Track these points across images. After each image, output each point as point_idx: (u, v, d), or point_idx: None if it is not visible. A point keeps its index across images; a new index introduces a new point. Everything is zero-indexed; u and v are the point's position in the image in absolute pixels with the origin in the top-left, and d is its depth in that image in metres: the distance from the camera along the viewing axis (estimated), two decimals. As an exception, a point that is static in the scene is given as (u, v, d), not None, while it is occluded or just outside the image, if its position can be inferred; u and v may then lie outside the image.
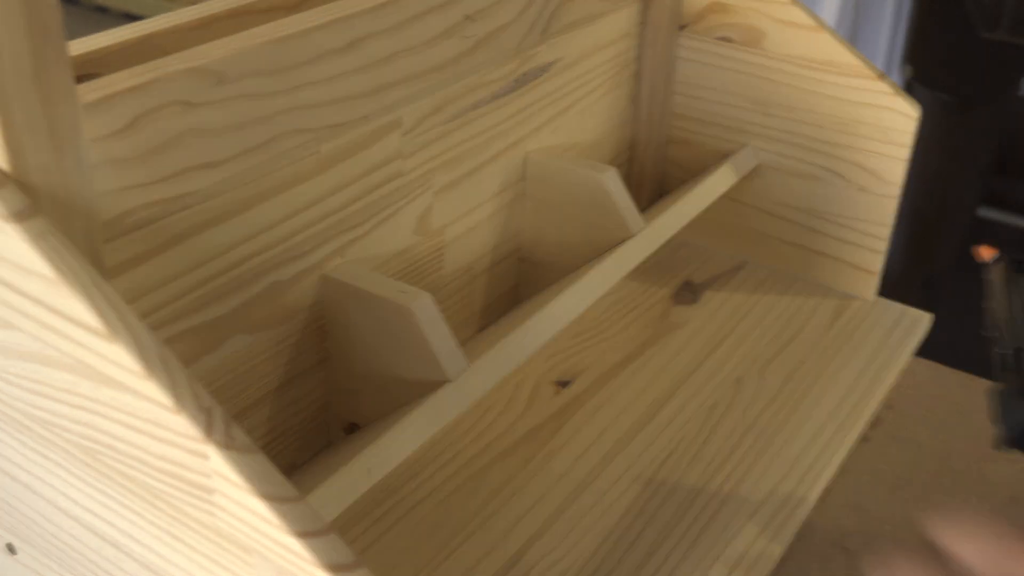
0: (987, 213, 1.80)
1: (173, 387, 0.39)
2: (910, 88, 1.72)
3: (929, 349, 0.93)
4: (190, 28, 0.60)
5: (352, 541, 0.67)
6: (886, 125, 0.87)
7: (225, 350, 0.60)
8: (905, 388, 0.87)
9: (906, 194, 0.91)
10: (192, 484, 0.40)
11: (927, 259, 1.79)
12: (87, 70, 0.54)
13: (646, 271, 0.98)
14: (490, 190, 0.78)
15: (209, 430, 0.38)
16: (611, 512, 0.71)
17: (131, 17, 2.08)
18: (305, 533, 0.37)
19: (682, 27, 0.93)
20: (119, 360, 0.39)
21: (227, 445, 0.38)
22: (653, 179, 1.01)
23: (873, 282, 0.95)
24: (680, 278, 0.98)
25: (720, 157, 0.94)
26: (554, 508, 0.71)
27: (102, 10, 2.19)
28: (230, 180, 0.55)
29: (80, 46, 0.55)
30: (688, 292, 0.97)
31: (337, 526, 0.65)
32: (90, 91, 0.46)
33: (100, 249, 0.45)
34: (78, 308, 0.39)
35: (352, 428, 0.68)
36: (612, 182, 0.77)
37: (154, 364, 0.39)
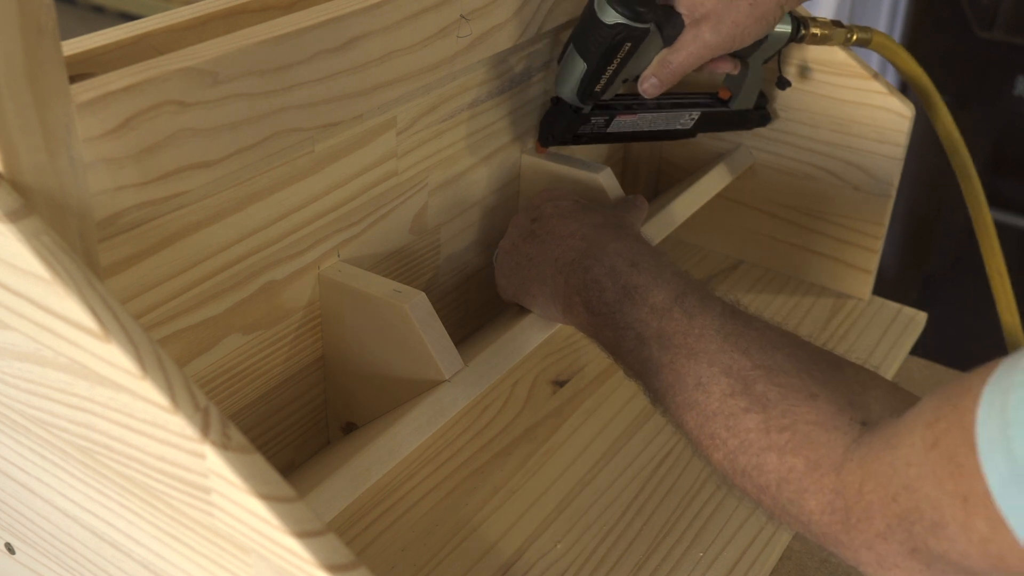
0: (983, 212, 1.80)
1: (169, 387, 0.39)
2: (905, 88, 1.72)
3: (925, 348, 0.93)
4: (185, 28, 0.60)
5: (351, 541, 0.67)
6: (881, 124, 0.87)
7: (221, 350, 0.59)
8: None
9: (902, 193, 0.91)
10: (189, 484, 0.40)
11: (923, 258, 1.80)
12: (81, 70, 0.54)
13: (642, 270, 0.98)
14: (485, 189, 0.78)
15: (205, 430, 0.38)
16: (610, 511, 0.71)
17: (128, 16, 2.08)
18: (303, 533, 0.37)
19: (677, 26, 0.92)
20: (114, 360, 0.39)
21: (224, 445, 0.38)
22: (648, 178, 1.01)
23: (869, 281, 0.95)
24: (676, 277, 0.98)
25: (715, 156, 0.94)
26: (553, 507, 0.71)
27: (99, 9, 2.18)
28: (224, 179, 0.55)
29: (74, 46, 0.55)
30: (684, 291, 0.96)
31: (336, 526, 0.65)
32: (84, 91, 0.46)
33: (94, 249, 0.45)
34: (73, 308, 0.39)
35: (349, 427, 0.68)
36: (607, 180, 0.77)
37: (149, 364, 0.39)
